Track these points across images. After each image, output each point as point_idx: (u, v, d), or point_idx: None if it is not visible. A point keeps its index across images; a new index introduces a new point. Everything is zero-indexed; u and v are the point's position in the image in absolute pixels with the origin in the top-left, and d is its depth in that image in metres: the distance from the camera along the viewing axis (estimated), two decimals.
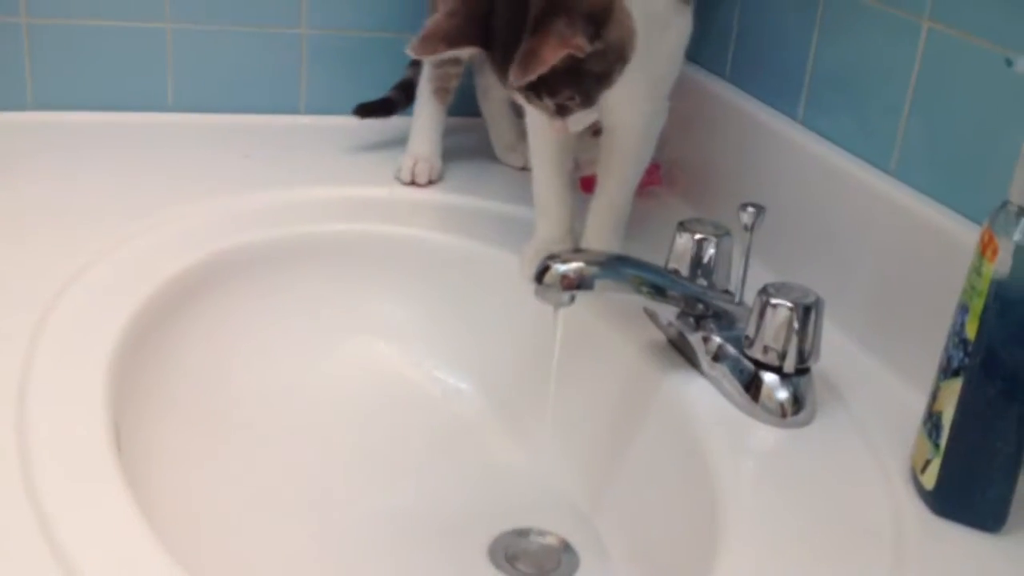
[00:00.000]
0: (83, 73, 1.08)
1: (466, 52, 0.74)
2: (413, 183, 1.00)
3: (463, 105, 1.07)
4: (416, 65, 1.08)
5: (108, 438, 0.62)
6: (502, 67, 0.73)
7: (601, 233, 0.87)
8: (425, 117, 1.04)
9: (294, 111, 1.15)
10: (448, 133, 1.05)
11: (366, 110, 1.07)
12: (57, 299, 0.75)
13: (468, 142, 1.09)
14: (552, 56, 0.70)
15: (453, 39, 0.73)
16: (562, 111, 0.76)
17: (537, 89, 0.74)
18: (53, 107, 1.08)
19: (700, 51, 1.04)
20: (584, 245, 0.87)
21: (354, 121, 1.07)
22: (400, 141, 1.04)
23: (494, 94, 1.09)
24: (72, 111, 1.08)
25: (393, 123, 1.07)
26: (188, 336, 0.81)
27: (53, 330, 0.72)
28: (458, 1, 0.74)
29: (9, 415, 0.63)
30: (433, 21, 0.73)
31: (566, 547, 0.77)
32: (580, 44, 0.71)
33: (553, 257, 0.69)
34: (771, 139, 0.90)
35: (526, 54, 0.70)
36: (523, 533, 0.78)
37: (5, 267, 0.79)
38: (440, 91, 1.04)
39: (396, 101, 1.08)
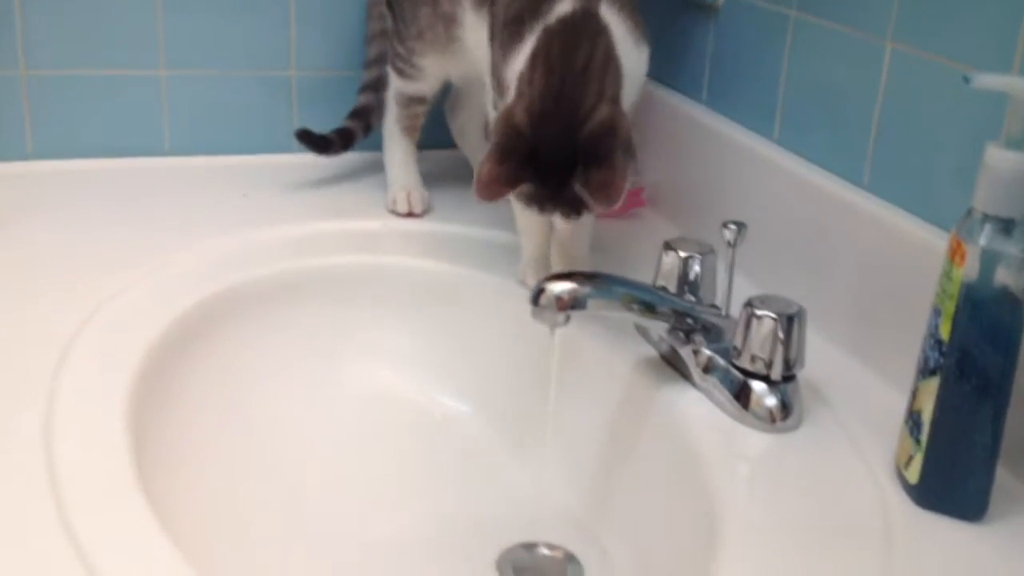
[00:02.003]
0: (81, 122, 1.10)
1: (522, 188, 0.79)
2: (410, 214, 1.03)
3: (427, 137, 1.10)
4: (355, 119, 1.11)
5: (132, 468, 0.65)
6: (555, 196, 0.78)
7: (570, 247, 0.90)
8: (401, 153, 1.07)
9: (287, 150, 1.16)
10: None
11: (308, 138, 1.08)
12: (73, 340, 0.77)
13: (439, 173, 1.11)
14: (623, 185, 0.76)
15: (511, 181, 0.78)
16: (579, 214, 0.80)
17: (578, 207, 0.79)
18: (53, 156, 1.10)
19: (677, 77, 1.07)
20: (554, 261, 0.91)
21: (344, 157, 1.10)
22: (382, 175, 1.08)
23: (470, 132, 1.13)
24: (72, 159, 1.10)
25: (377, 158, 1.10)
26: (198, 369, 0.83)
27: (72, 370, 0.74)
28: (501, 149, 0.78)
29: (37, 451, 0.65)
30: (486, 169, 0.77)
31: (571, 559, 0.79)
32: (634, 169, 0.77)
33: (547, 280, 0.72)
34: (749, 159, 0.93)
35: (603, 186, 0.76)
36: (529, 547, 0.79)
37: (19, 312, 0.81)
38: (410, 129, 1.07)
39: (334, 142, 1.10)
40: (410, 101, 1.06)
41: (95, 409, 0.70)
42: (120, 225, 0.97)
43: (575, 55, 0.79)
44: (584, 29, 0.80)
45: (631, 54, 0.82)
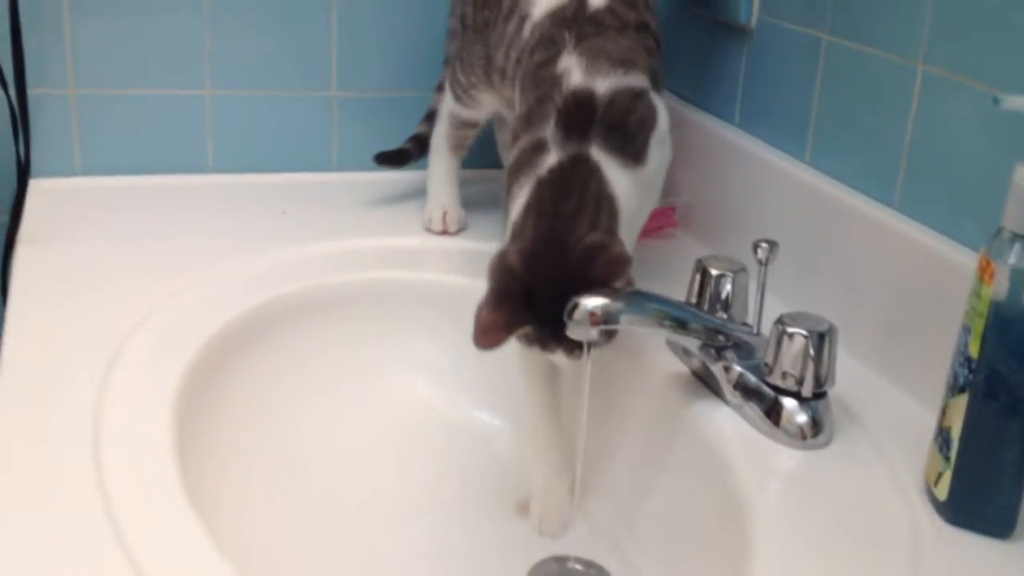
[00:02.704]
0: (128, 140, 1.13)
1: (523, 331, 0.77)
2: (444, 232, 1.05)
3: (472, 158, 1.11)
4: (429, 121, 1.11)
5: (177, 474, 0.66)
6: (556, 335, 0.75)
7: None
8: (444, 171, 1.08)
9: (326, 168, 1.19)
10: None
11: (385, 158, 1.10)
12: (120, 350, 0.79)
13: (480, 192, 1.12)
14: (625, 263, 0.74)
15: (510, 326, 0.76)
16: (582, 352, 0.78)
17: (580, 345, 0.76)
18: (101, 173, 1.12)
19: (710, 99, 1.08)
20: None
21: (382, 175, 1.12)
22: (419, 193, 1.09)
23: None
24: (119, 176, 1.12)
25: (414, 176, 1.11)
26: (240, 379, 0.84)
27: (118, 378, 0.76)
28: (497, 293, 0.76)
29: (86, 458, 0.67)
30: (483, 315, 0.75)
31: (602, 573, 0.79)
32: (628, 279, 0.75)
33: (580, 295, 0.73)
34: (780, 179, 0.94)
35: (608, 268, 0.74)
36: (560, 560, 0.80)
37: (66, 323, 0.83)
38: (457, 147, 1.08)
39: (411, 152, 1.12)
40: (463, 124, 1.07)
41: (141, 417, 0.72)
42: (164, 240, 0.99)
43: (567, 202, 0.78)
44: (574, 176, 0.79)
45: (629, 185, 0.81)
